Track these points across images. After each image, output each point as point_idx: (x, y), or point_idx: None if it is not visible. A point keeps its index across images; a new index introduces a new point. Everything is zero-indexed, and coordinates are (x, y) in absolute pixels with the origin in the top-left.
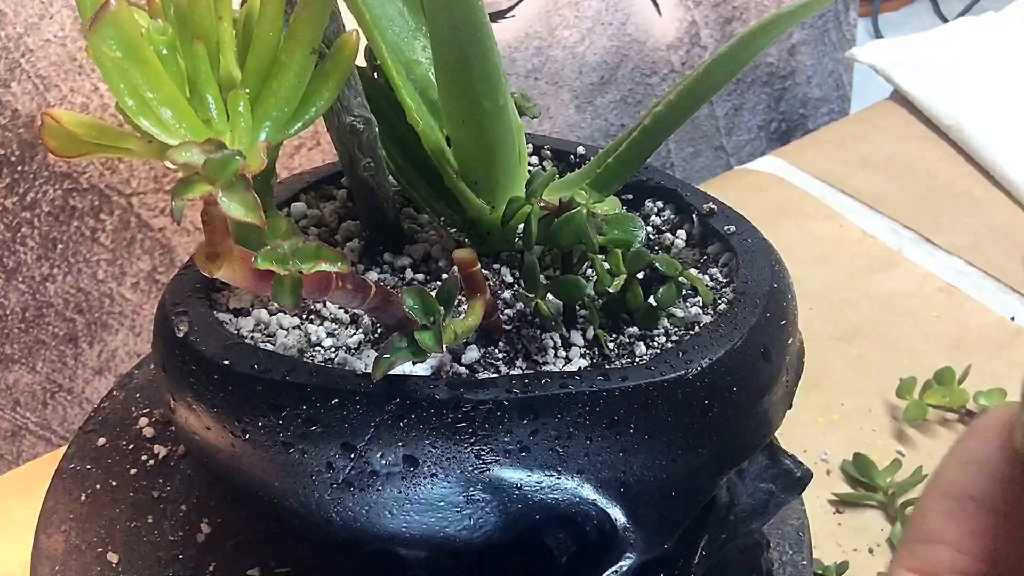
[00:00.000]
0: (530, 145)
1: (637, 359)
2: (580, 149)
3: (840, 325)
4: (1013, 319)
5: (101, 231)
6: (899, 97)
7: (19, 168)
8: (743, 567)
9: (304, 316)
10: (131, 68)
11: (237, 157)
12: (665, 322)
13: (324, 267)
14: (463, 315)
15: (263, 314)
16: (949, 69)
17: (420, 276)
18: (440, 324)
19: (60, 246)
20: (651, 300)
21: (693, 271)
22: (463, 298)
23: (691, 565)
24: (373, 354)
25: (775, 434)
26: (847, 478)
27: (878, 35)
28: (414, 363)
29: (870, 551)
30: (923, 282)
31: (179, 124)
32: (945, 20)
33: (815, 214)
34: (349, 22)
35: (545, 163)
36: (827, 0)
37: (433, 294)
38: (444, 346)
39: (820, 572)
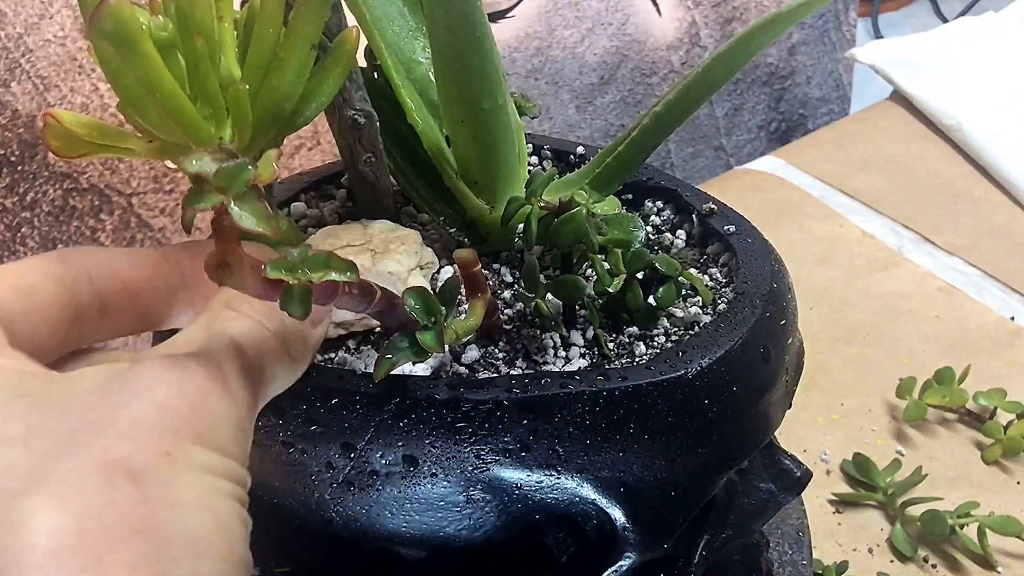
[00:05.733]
0: (530, 145)
1: (637, 359)
2: (580, 149)
3: (840, 325)
4: (1013, 319)
5: (101, 231)
6: (899, 97)
7: (19, 168)
8: (743, 567)
9: None
10: (131, 63)
11: (249, 167)
12: (665, 322)
13: (334, 276)
14: (464, 315)
15: None
16: (949, 69)
17: None
18: (441, 324)
19: (60, 246)
20: (651, 300)
21: (693, 271)
22: (463, 298)
23: (691, 565)
24: (373, 354)
25: (775, 434)
26: (847, 478)
27: (878, 35)
28: (414, 363)
29: (870, 551)
30: (923, 282)
31: (179, 120)
32: (945, 20)
33: (815, 214)
34: (349, 21)
35: (545, 163)
36: (826, 0)
37: (434, 294)
38: (445, 346)
39: (820, 572)
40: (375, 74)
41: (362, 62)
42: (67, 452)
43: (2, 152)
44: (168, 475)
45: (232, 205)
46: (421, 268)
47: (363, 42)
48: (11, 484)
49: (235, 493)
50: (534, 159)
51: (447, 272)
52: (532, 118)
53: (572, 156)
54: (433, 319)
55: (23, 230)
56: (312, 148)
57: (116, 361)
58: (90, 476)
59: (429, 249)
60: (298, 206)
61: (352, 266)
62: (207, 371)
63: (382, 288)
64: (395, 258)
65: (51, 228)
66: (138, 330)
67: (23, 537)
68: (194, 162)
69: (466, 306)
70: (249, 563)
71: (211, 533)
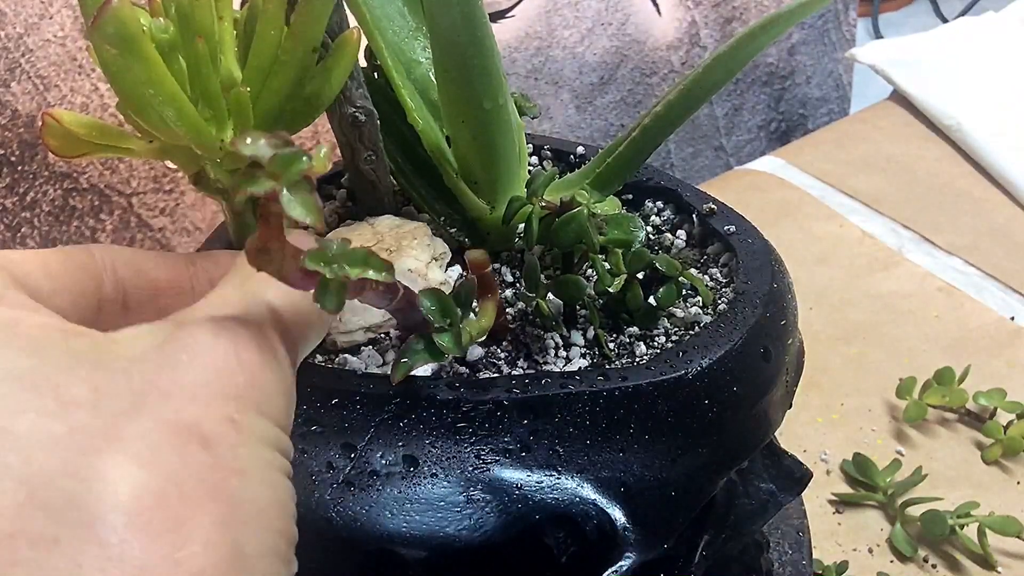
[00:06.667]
0: (530, 145)
1: (637, 359)
2: (580, 149)
3: (840, 325)
4: (1013, 319)
5: (101, 231)
6: (899, 97)
7: (19, 168)
8: (743, 567)
9: None
10: (132, 65)
11: (304, 157)
12: (665, 322)
13: (371, 274)
14: (475, 316)
15: None
16: (949, 69)
17: None
18: (458, 326)
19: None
20: (651, 300)
21: (693, 271)
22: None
23: (691, 565)
24: (374, 355)
25: (775, 434)
26: (847, 478)
27: (878, 35)
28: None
29: (870, 551)
30: (923, 282)
31: (180, 122)
32: (945, 20)
33: (815, 214)
34: (350, 21)
35: (545, 163)
36: (826, 0)
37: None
38: (462, 348)
39: (820, 572)
40: (375, 74)
41: (362, 62)
42: (138, 413)
43: (2, 152)
44: (234, 443)
45: (284, 193)
46: (436, 260)
47: (363, 42)
48: (84, 441)
49: (286, 468)
50: (534, 159)
51: (455, 269)
52: (532, 118)
53: (572, 156)
54: (449, 321)
55: (23, 230)
56: (312, 148)
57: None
58: (164, 438)
59: (439, 239)
60: None
61: (389, 266)
62: (258, 340)
63: (405, 287)
64: (411, 255)
65: (51, 228)
66: None
67: (105, 494)
68: (248, 141)
69: (475, 306)
70: (295, 541)
71: (272, 506)
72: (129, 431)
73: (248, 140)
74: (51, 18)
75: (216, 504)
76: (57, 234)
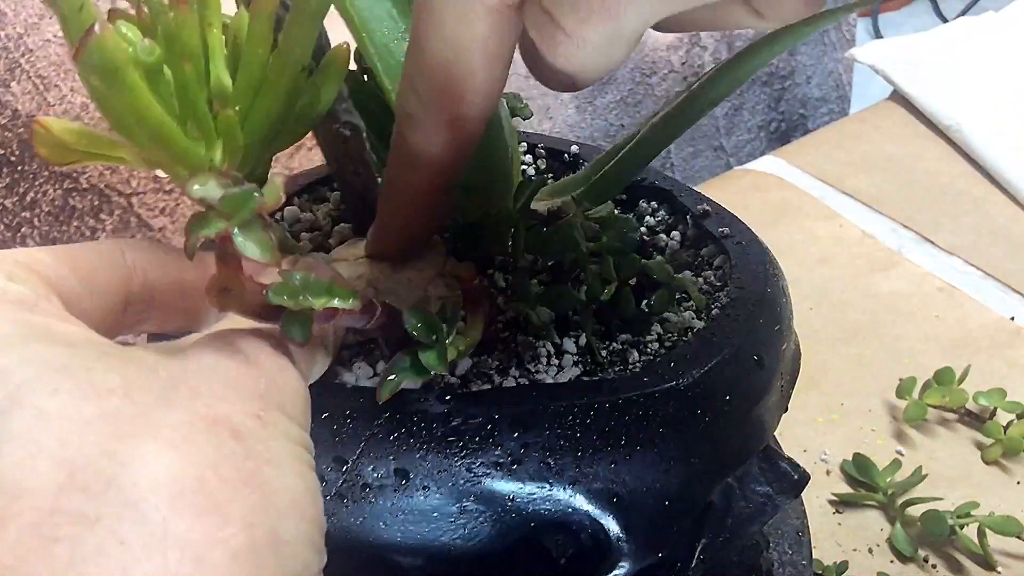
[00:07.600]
0: (524, 144)
1: (630, 366)
2: (574, 148)
3: (840, 325)
4: (1013, 319)
5: (101, 231)
6: (899, 97)
7: (19, 168)
8: (743, 567)
9: None
10: (118, 94)
11: (255, 194)
12: (658, 327)
13: (336, 304)
14: (463, 329)
15: None
16: (949, 69)
17: None
18: (444, 342)
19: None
20: (644, 306)
21: (688, 273)
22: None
23: (689, 568)
24: (365, 367)
25: (775, 434)
26: (847, 478)
27: (878, 35)
28: None
29: (870, 551)
30: (923, 282)
31: (168, 147)
32: (945, 20)
33: (815, 214)
34: (338, 22)
35: (539, 161)
36: (832, 18)
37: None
38: (447, 364)
39: (820, 572)
40: (364, 76)
41: (351, 65)
42: (169, 406)
43: (2, 152)
44: (263, 436)
45: (236, 233)
46: (443, 277)
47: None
48: (118, 426)
49: (312, 464)
50: (528, 158)
51: None
52: (524, 119)
53: (566, 155)
54: (435, 337)
55: (23, 230)
56: (312, 148)
57: None
58: (198, 428)
59: (453, 258)
60: (291, 210)
61: (354, 293)
62: (274, 347)
63: (383, 303)
64: (416, 266)
65: (51, 228)
66: (183, 327)
67: (144, 477)
68: (197, 187)
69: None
70: (324, 531)
71: (304, 496)
72: (162, 420)
73: (196, 184)
74: (51, 18)
75: (252, 491)
76: (57, 234)
